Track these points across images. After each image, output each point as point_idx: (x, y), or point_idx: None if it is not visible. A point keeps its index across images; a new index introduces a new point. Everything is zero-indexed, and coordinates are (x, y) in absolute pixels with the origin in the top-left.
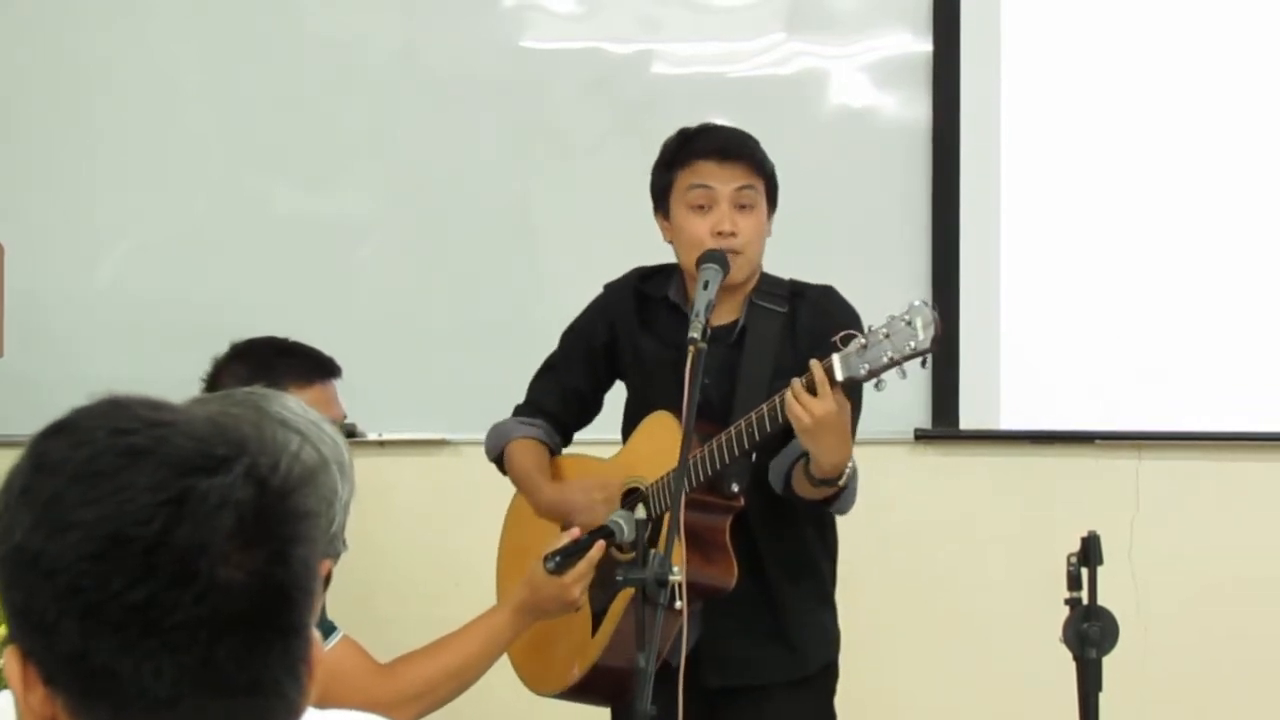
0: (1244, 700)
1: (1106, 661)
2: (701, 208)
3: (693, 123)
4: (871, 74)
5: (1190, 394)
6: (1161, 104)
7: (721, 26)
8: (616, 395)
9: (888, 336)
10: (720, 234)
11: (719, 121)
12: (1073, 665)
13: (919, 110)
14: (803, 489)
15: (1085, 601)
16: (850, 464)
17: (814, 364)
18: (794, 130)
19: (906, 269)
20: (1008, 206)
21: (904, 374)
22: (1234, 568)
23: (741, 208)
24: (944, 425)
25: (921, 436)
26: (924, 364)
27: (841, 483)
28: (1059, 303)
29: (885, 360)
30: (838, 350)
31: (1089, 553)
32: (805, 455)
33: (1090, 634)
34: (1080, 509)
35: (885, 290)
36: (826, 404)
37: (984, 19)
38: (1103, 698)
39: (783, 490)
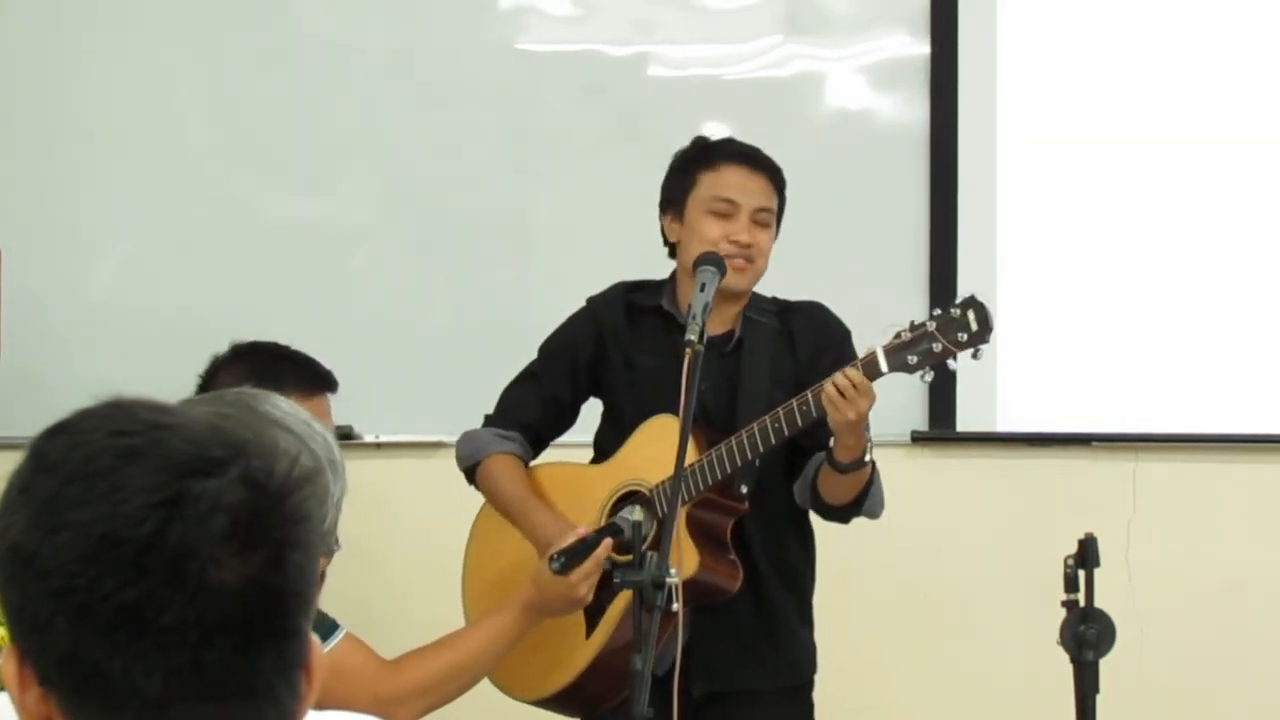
0: (1241, 702)
1: (1103, 664)
2: (722, 215)
3: (689, 125)
4: (869, 76)
5: (1187, 396)
6: (1159, 106)
7: (718, 29)
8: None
9: (937, 329)
10: (735, 243)
11: (717, 124)
12: (1070, 667)
13: (917, 112)
14: (831, 487)
15: (1082, 604)
16: (870, 456)
17: (855, 364)
18: (791, 133)
19: (904, 271)
20: (1005, 208)
21: (954, 365)
22: (1231, 570)
23: (759, 223)
24: (941, 427)
25: (919, 438)
26: (975, 356)
27: (867, 458)
28: (1056, 305)
29: (936, 351)
30: (877, 349)
31: (1086, 555)
32: (824, 456)
33: (1087, 636)
34: (1077, 511)
35: (883, 292)
36: (867, 401)
37: (982, 21)
38: (1100, 700)
39: (810, 503)
